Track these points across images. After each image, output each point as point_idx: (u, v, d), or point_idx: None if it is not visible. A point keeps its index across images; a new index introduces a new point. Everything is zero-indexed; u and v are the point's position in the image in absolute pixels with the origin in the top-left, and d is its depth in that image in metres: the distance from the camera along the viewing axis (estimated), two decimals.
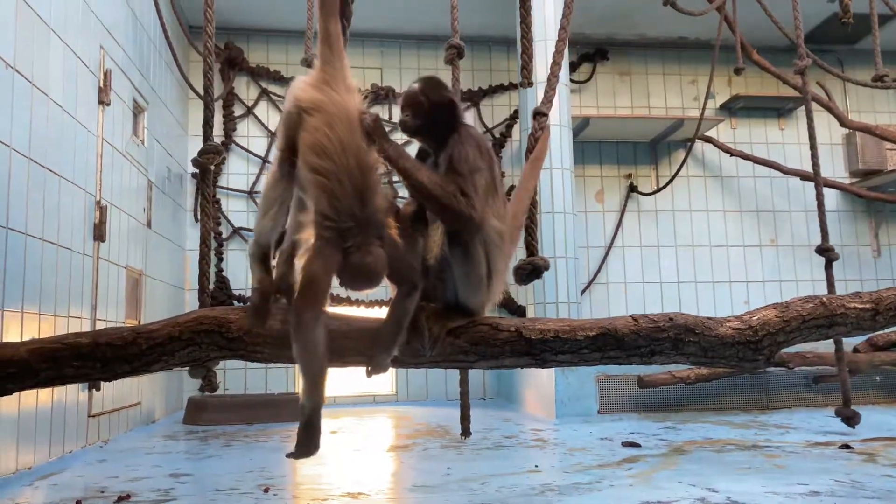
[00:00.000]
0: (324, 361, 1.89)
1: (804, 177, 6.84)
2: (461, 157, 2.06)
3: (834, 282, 4.06)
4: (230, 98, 6.78)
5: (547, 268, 2.59)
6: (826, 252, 4.06)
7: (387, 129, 2.04)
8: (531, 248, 2.65)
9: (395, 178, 2.14)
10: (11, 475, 3.05)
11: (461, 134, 2.14)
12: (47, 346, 1.94)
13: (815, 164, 4.18)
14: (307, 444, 1.91)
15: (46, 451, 3.43)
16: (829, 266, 4.06)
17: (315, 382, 1.89)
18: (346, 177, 1.87)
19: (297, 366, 1.94)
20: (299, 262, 2.01)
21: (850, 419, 4.09)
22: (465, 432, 3.12)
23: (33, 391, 3.24)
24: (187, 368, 2.48)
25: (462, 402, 3.09)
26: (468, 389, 3.10)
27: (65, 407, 3.64)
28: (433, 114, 2.14)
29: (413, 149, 2.27)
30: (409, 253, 2.02)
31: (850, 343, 5.03)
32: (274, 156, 2.17)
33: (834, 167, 7.44)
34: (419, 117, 2.15)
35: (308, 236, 1.97)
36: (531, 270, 2.57)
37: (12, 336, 3.02)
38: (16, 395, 3.05)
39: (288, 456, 1.95)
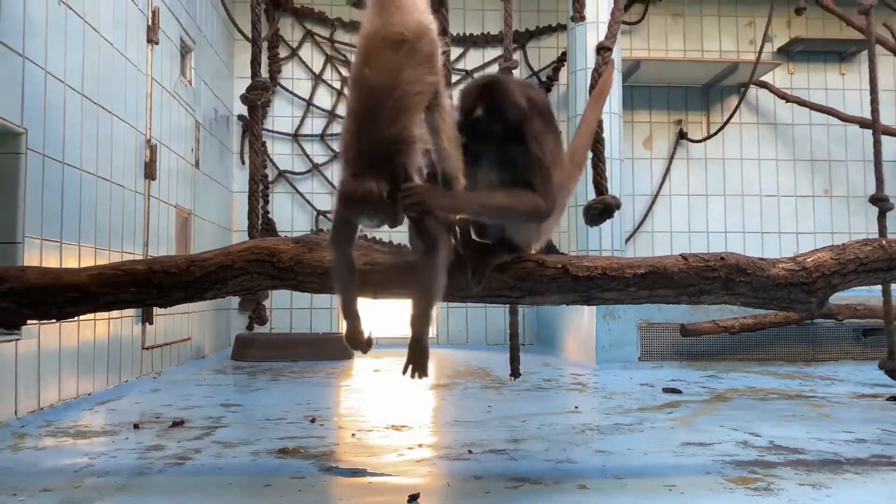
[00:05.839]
0: (347, 293, 2.02)
1: (863, 124, 6.53)
2: (537, 141, 1.92)
3: (887, 234, 3.93)
4: (275, 39, 6.75)
5: (618, 206, 2.53)
6: (880, 202, 3.94)
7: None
8: (600, 188, 2.59)
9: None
10: (72, 400, 3.21)
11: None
12: (106, 273, 2.01)
13: (875, 110, 4.03)
14: (346, 348, 2.18)
15: (104, 379, 3.58)
16: (882, 216, 3.94)
17: (344, 307, 2.08)
18: (360, 110, 1.80)
19: None
20: None
21: (894, 372, 3.99)
22: (515, 373, 3.15)
23: (90, 323, 3.38)
24: (237, 305, 2.56)
25: (511, 343, 3.11)
26: (517, 331, 3.12)
27: (120, 339, 3.79)
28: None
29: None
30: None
31: None
32: None
33: None
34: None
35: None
36: (602, 209, 2.52)
37: None
38: (75, 327, 3.20)
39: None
